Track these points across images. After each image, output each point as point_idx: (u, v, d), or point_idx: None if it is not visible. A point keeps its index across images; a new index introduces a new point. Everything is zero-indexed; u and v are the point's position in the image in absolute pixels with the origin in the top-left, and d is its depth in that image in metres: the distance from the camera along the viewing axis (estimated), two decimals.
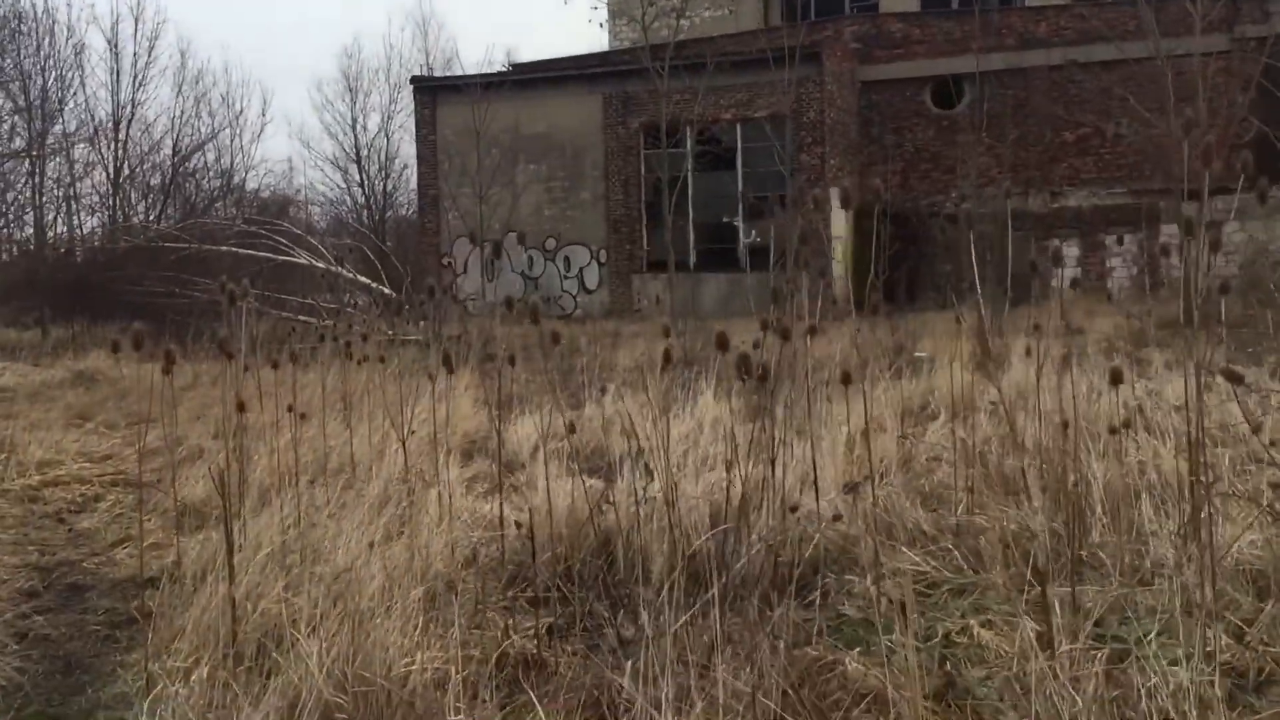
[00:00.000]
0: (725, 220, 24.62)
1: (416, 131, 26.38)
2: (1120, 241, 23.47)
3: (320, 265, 18.45)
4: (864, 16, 27.90)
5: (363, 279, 18.58)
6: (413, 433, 6.98)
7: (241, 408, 3.86)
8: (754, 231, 24.32)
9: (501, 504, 3.91)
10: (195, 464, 6.83)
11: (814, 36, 25.60)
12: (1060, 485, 3.92)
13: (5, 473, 6.61)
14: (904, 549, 3.88)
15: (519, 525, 3.64)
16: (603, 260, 25.05)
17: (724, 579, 3.14)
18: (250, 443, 5.85)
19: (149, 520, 5.49)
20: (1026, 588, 3.52)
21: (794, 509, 3.39)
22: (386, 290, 18.87)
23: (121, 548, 5.08)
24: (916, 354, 13.84)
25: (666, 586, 3.24)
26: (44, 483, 6.51)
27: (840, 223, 24.50)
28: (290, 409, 4.76)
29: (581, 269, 25.24)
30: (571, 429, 3.70)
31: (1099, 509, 4.22)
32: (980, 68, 25.29)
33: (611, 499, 3.58)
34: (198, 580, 3.96)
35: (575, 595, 3.64)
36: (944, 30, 26.38)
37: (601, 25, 33.63)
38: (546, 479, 3.89)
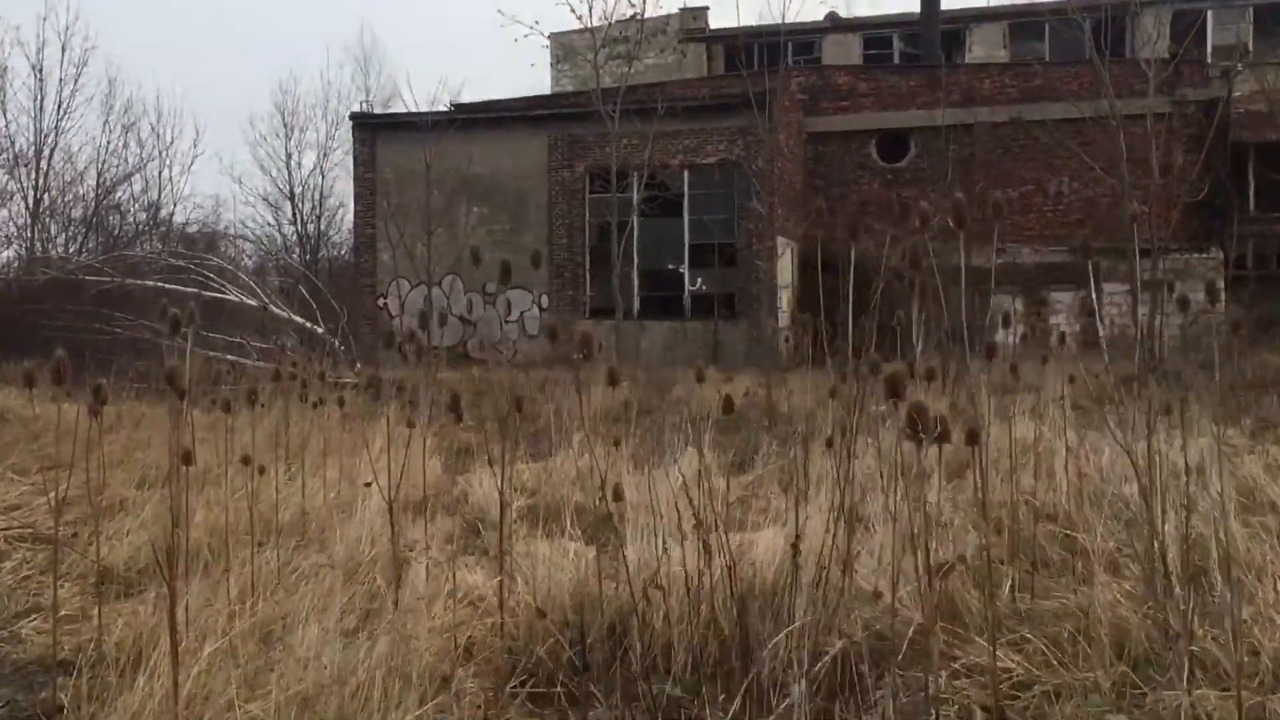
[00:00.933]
0: (670, 267, 24.17)
1: (355, 169, 25.59)
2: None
3: (252, 302, 17.59)
4: (810, 68, 27.90)
5: (296, 318, 17.73)
6: (368, 485, 6.29)
7: (188, 459, 3.18)
8: (699, 279, 23.91)
9: (504, 586, 3.26)
10: (117, 518, 6.05)
11: (761, 86, 25.50)
12: (1151, 562, 3.39)
13: None
14: (976, 638, 3.30)
15: (542, 614, 3.01)
16: (544, 305, 24.42)
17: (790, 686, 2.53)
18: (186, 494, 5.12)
19: (63, 586, 4.72)
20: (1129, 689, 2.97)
21: (879, 596, 2.81)
22: (320, 330, 18.07)
23: (28, 620, 4.30)
24: (873, 408, 13.42)
25: (701, 686, 2.62)
26: None
27: (788, 272, 24.25)
28: (246, 461, 4.05)
29: (523, 314, 24.59)
30: (618, 493, 3.07)
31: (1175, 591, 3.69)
32: (925, 122, 25.35)
33: (660, 583, 2.96)
34: (126, 667, 3.26)
35: (590, 693, 3.01)
36: (890, 84, 26.43)
37: (554, 66, 33.27)
38: (602, 552, 3.26)
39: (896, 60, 31.84)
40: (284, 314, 17.60)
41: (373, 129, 25.41)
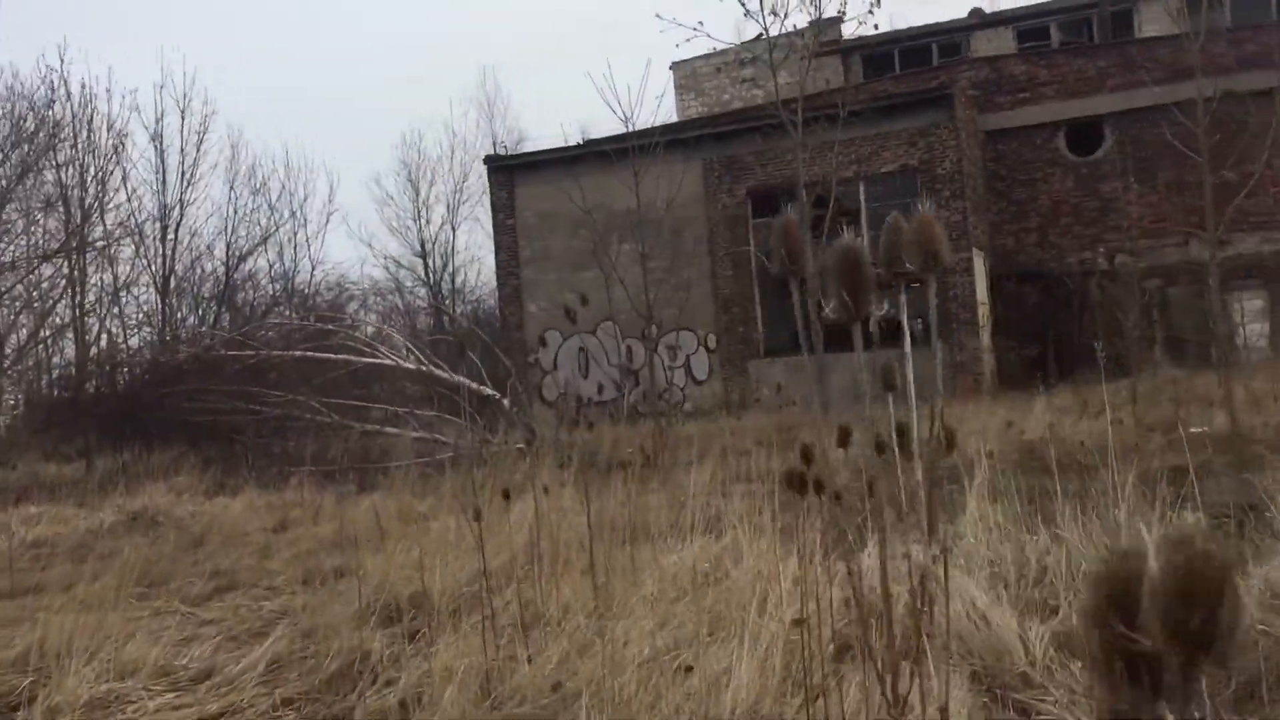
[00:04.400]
0: None
1: (493, 216, 23.73)
2: None
3: (409, 366, 15.60)
4: (980, 61, 25.23)
5: (461, 379, 15.65)
6: (801, 622, 3.94)
7: None
8: (886, 303, 21.26)
9: None
10: (358, 691, 3.77)
11: (935, 81, 23.02)
12: None
13: None
14: None
15: None
16: (712, 347, 22.02)
17: None
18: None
19: None
20: None
21: None
22: (488, 391, 15.99)
23: None
24: (1193, 430, 10.81)
25: None
26: None
27: (981, 287, 21.47)
28: None
29: (689, 357, 22.22)
30: None
31: None
32: (1124, 106, 22.47)
33: None
34: None
35: None
36: (1075, 69, 23.60)
37: (679, 96, 31.29)
38: None
39: (1054, 42, 29.01)
40: (446, 375, 15.53)
41: (509, 171, 23.50)
